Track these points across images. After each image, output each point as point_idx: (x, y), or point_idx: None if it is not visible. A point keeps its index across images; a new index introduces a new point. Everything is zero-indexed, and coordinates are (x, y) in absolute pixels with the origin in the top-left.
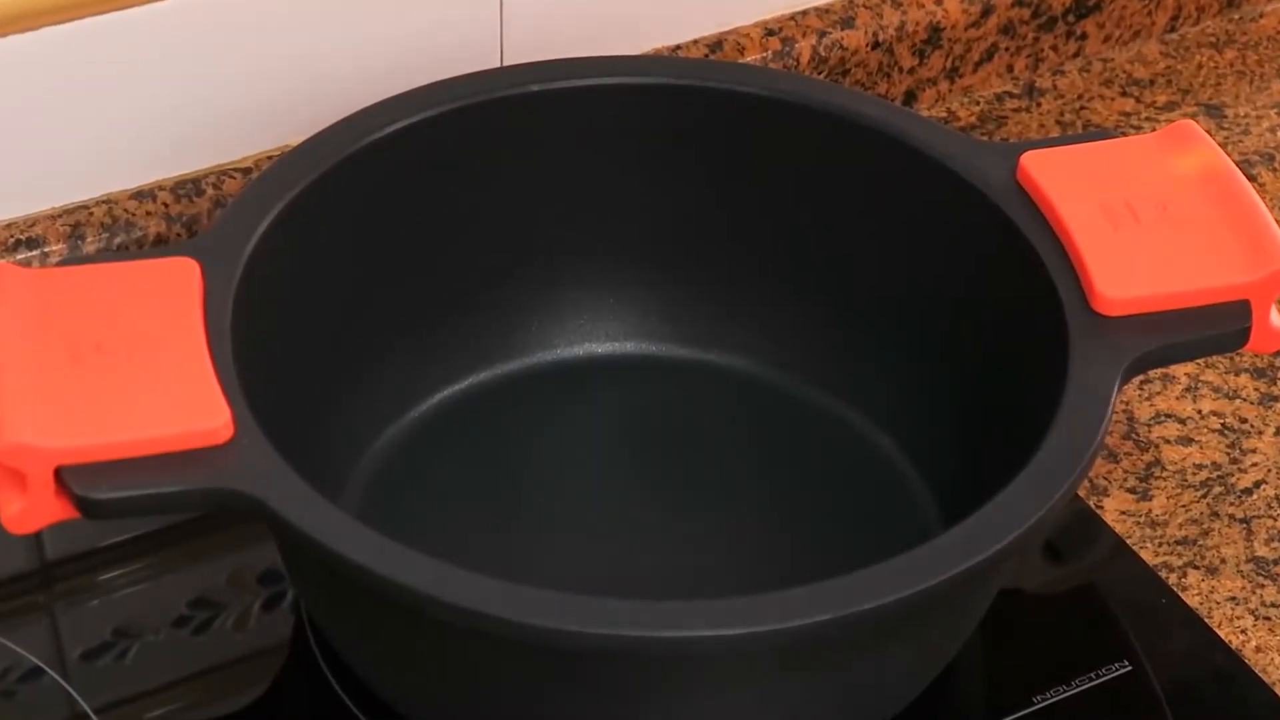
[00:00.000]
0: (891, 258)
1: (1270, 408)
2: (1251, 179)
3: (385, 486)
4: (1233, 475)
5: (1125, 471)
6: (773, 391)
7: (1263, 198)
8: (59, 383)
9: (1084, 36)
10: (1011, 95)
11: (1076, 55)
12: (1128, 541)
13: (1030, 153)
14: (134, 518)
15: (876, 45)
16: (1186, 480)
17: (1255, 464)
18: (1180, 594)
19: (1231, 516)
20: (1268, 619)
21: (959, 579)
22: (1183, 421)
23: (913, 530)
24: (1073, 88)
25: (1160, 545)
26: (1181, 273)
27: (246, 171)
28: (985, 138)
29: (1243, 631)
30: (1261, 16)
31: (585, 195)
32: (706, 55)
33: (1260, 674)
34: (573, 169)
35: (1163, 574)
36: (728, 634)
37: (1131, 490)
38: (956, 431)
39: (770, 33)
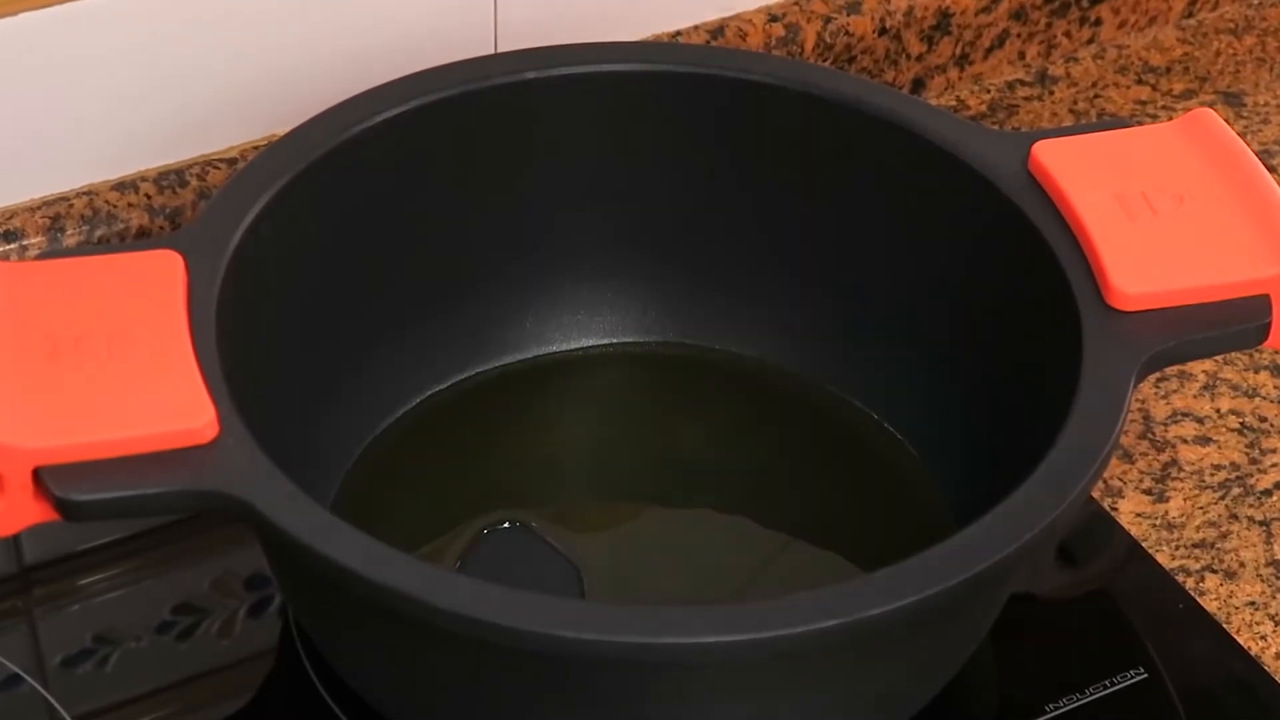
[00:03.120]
0: (899, 250)
1: None
2: (1271, 169)
3: (375, 487)
4: (1252, 476)
5: (1141, 472)
6: (776, 389)
7: None
8: (37, 380)
9: (1098, 22)
10: (1023, 83)
11: (1090, 42)
12: (1143, 544)
13: (1043, 142)
14: (115, 520)
15: (883, 31)
16: (1204, 481)
17: (1275, 464)
18: (1198, 599)
19: (1250, 519)
20: None
21: (969, 583)
22: (1200, 420)
23: (922, 532)
24: (1086, 75)
25: (1177, 548)
26: (1199, 267)
27: (232, 162)
28: (996, 127)
29: (1262, 637)
30: None
31: (581, 186)
32: (708, 42)
33: None
34: (568, 159)
35: (1179, 578)
36: (729, 640)
37: (1147, 491)
38: (967, 430)
39: (774, 18)
